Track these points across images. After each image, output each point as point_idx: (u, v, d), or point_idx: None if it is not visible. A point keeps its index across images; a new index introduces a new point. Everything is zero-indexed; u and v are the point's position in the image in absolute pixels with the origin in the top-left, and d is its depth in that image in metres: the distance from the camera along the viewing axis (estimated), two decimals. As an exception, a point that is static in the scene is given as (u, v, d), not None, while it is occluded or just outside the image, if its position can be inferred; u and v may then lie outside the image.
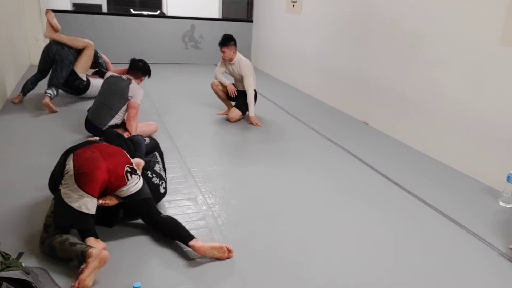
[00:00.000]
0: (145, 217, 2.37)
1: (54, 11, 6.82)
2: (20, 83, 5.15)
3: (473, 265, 2.34)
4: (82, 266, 1.92)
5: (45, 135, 3.76)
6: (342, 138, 4.26)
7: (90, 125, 3.73)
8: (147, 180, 2.48)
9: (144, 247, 2.25)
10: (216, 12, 8.94)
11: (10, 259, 1.78)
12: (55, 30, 4.66)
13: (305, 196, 3.01)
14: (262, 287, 2.02)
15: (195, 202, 2.79)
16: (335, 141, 4.19)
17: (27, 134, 3.75)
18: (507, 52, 3.18)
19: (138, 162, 2.51)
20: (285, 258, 2.26)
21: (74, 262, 2.02)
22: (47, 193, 2.49)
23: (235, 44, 4.48)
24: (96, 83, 4.72)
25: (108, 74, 3.96)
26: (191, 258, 2.17)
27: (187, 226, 2.30)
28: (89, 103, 3.96)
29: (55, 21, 4.66)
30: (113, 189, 2.23)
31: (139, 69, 3.84)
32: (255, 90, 4.60)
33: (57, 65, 4.56)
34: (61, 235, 2.04)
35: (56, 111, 4.34)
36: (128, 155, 2.43)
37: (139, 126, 3.70)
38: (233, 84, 4.65)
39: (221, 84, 4.67)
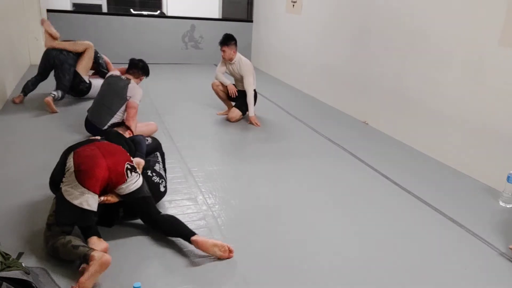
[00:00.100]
0: (144, 216, 2.36)
1: (54, 11, 6.81)
2: (20, 83, 5.15)
3: (473, 265, 2.35)
4: (83, 265, 1.92)
5: (45, 135, 3.76)
6: (342, 138, 4.26)
7: (90, 125, 3.73)
8: (147, 179, 2.48)
9: (144, 247, 2.25)
10: (216, 12, 8.94)
11: (10, 259, 1.78)
12: (53, 38, 4.65)
13: (305, 196, 3.01)
14: (263, 287, 2.02)
15: (195, 202, 2.79)
16: (335, 141, 4.19)
17: (27, 134, 3.76)
18: (507, 52, 3.18)
19: (138, 162, 2.51)
20: (285, 258, 2.26)
21: (76, 263, 2.02)
22: (47, 192, 2.49)
23: (235, 43, 4.48)
24: (97, 83, 4.72)
25: (108, 74, 3.97)
26: (192, 259, 2.17)
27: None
28: (89, 104, 3.96)
29: (52, 29, 4.65)
30: (113, 187, 2.24)
31: (139, 68, 3.83)
32: (255, 90, 4.60)
33: (58, 71, 4.57)
34: (64, 236, 2.04)
35: (56, 112, 4.35)
36: (128, 153, 2.43)
37: (138, 126, 3.70)
38: (233, 84, 4.65)
39: (222, 84, 4.67)
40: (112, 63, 5.29)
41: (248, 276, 2.08)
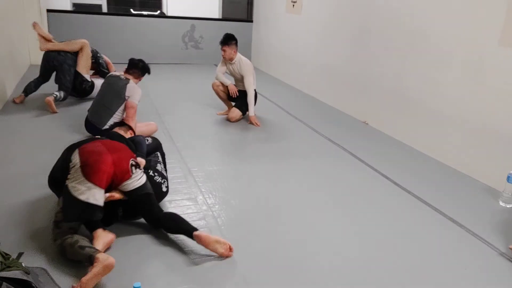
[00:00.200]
0: (146, 213, 2.36)
1: (54, 11, 6.80)
2: (20, 83, 5.16)
3: (473, 265, 2.35)
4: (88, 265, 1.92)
5: (45, 135, 3.76)
6: (342, 138, 4.26)
7: (90, 125, 3.73)
8: (149, 178, 2.48)
9: (145, 246, 2.25)
10: (216, 12, 8.94)
11: (10, 259, 1.78)
12: (47, 40, 4.64)
13: (305, 196, 3.01)
14: (263, 287, 2.02)
15: (195, 202, 2.79)
16: (335, 141, 4.19)
17: (27, 134, 3.76)
18: (507, 52, 3.18)
19: (139, 162, 2.51)
20: (285, 258, 2.26)
21: (84, 264, 2.01)
22: (47, 192, 2.49)
23: (236, 43, 4.49)
24: (99, 83, 4.72)
25: (109, 74, 3.97)
26: (192, 258, 2.17)
27: (187, 226, 2.30)
28: (89, 104, 3.96)
29: (44, 31, 4.64)
30: (118, 183, 2.25)
31: (139, 68, 3.83)
32: (255, 90, 4.60)
33: (58, 72, 4.57)
34: (71, 235, 2.05)
35: (56, 112, 4.35)
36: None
37: (138, 126, 3.70)
38: (233, 84, 4.66)
39: (222, 84, 4.67)
40: (112, 63, 5.29)
41: (248, 276, 2.08)
